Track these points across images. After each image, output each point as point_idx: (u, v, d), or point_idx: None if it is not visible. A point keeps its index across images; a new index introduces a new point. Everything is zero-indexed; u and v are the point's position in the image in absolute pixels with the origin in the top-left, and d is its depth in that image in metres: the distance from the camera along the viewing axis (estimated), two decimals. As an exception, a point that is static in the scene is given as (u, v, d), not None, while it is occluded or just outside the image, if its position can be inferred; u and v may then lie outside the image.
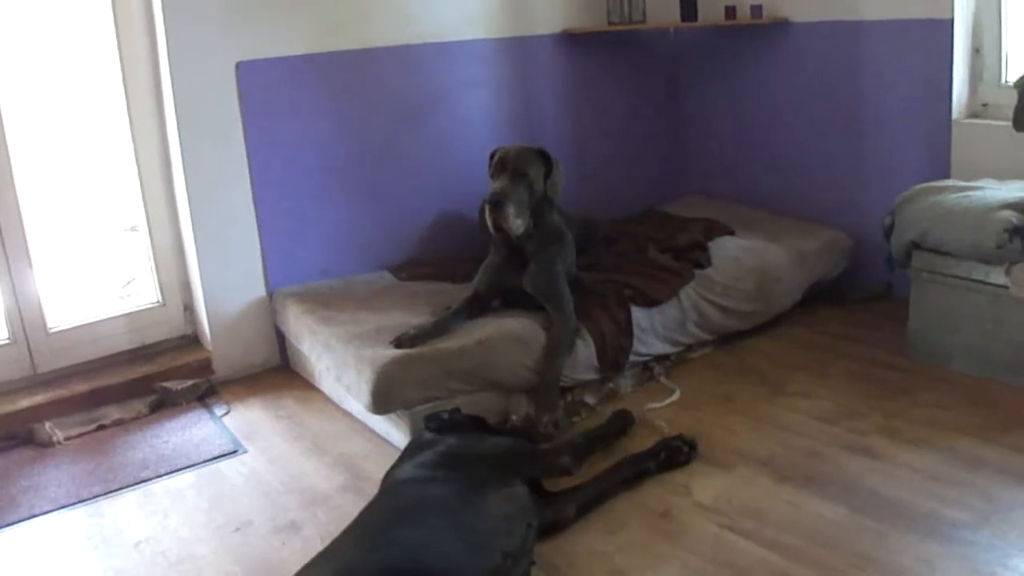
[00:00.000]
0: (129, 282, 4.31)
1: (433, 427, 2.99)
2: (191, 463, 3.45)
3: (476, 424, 3.11)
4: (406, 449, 2.96)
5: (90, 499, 3.24)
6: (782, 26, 4.71)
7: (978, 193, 3.67)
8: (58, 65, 3.98)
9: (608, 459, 3.14)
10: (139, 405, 3.89)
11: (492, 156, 3.79)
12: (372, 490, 2.89)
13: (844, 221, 4.59)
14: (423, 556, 2.33)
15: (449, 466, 2.73)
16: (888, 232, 3.86)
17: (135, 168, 4.08)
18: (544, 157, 3.74)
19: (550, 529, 2.79)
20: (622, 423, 3.36)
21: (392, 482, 2.75)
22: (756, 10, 4.64)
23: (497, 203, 3.58)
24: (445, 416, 3.06)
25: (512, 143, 3.89)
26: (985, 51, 4.13)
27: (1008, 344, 3.52)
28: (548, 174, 3.74)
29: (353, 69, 4.27)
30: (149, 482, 3.34)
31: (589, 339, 3.62)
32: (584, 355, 3.60)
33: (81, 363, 4.02)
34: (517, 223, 3.61)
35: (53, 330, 3.95)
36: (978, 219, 3.49)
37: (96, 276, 4.29)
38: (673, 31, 5.27)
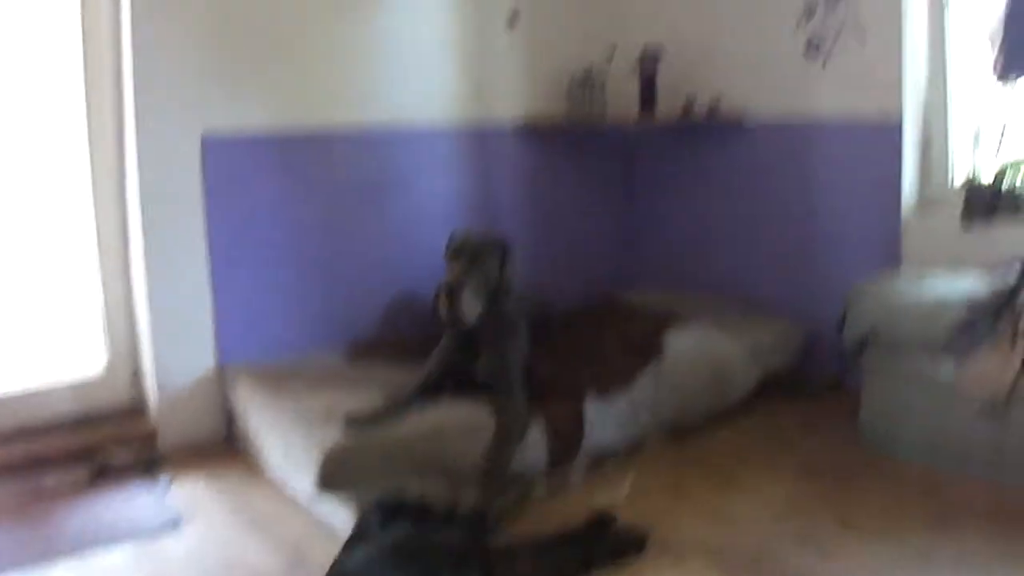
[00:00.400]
0: (76, 347, 4.22)
1: (380, 512, 2.94)
2: (129, 536, 3.34)
3: (422, 509, 3.06)
4: (352, 535, 2.90)
5: (23, 568, 3.12)
6: (737, 124, 4.81)
7: (929, 287, 3.75)
8: (23, 126, 3.95)
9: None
10: (79, 474, 3.79)
11: (450, 241, 3.81)
12: (315, 573, 2.82)
13: (797, 314, 4.63)
14: None
15: (400, 557, 2.68)
16: (840, 325, 3.89)
17: (94, 232, 4.06)
18: (501, 245, 3.77)
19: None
20: (601, 525, 3.20)
21: (338, 572, 2.68)
22: (713, 107, 4.75)
23: (452, 290, 3.59)
24: (391, 500, 3.01)
25: (470, 229, 3.90)
26: (934, 149, 4.26)
27: (959, 436, 3.54)
28: (504, 262, 3.75)
29: (316, 148, 4.30)
30: (85, 554, 3.23)
31: (541, 427, 3.59)
32: (535, 443, 3.57)
33: (21, 427, 3.90)
34: (471, 310, 3.61)
35: (-6, 393, 3.87)
36: (929, 312, 3.56)
37: (43, 339, 4.20)
38: (631, 125, 5.33)
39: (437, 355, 3.81)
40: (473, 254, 3.68)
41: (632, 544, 3.09)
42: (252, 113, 4.11)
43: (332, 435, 3.32)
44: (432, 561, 2.68)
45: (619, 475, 3.74)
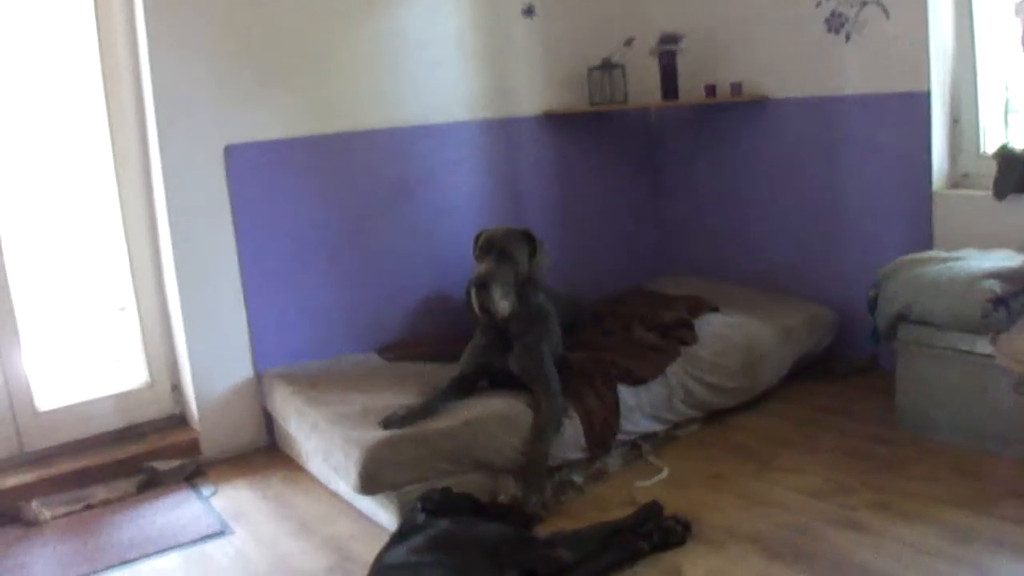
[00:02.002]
0: (117, 362, 4.30)
1: (428, 508, 2.97)
2: (178, 544, 3.42)
3: (468, 503, 3.09)
4: (397, 531, 2.93)
5: (76, 580, 3.20)
6: (761, 103, 4.78)
7: (961, 263, 3.70)
8: (50, 147, 4.02)
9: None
10: (126, 485, 3.86)
11: (477, 238, 3.84)
12: (359, 572, 2.87)
13: (828, 295, 4.62)
14: None
15: (441, 550, 2.69)
16: (872, 305, 3.88)
17: (125, 248, 4.12)
18: (529, 238, 3.79)
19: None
20: (648, 516, 3.20)
21: (381, 567, 2.72)
22: (735, 88, 4.73)
23: (483, 285, 3.61)
24: (436, 496, 3.04)
25: (497, 225, 3.93)
26: (963, 122, 4.20)
27: (996, 414, 3.51)
28: (533, 255, 3.78)
29: (340, 151, 4.33)
30: (135, 563, 3.30)
31: (576, 418, 3.62)
32: (571, 434, 3.60)
33: (69, 442, 4.00)
34: (503, 304, 3.64)
35: (41, 409, 3.95)
36: (962, 290, 3.52)
37: (85, 355, 4.28)
38: (654, 110, 5.35)
39: (470, 351, 3.85)
40: (501, 248, 3.71)
41: (676, 534, 3.10)
42: (274, 123, 4.15)
43: (370, 435, 3.37)
44: (472, 554, 2.70)
45: (655, 462, 3.76)
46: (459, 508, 3.03)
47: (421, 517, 2.92)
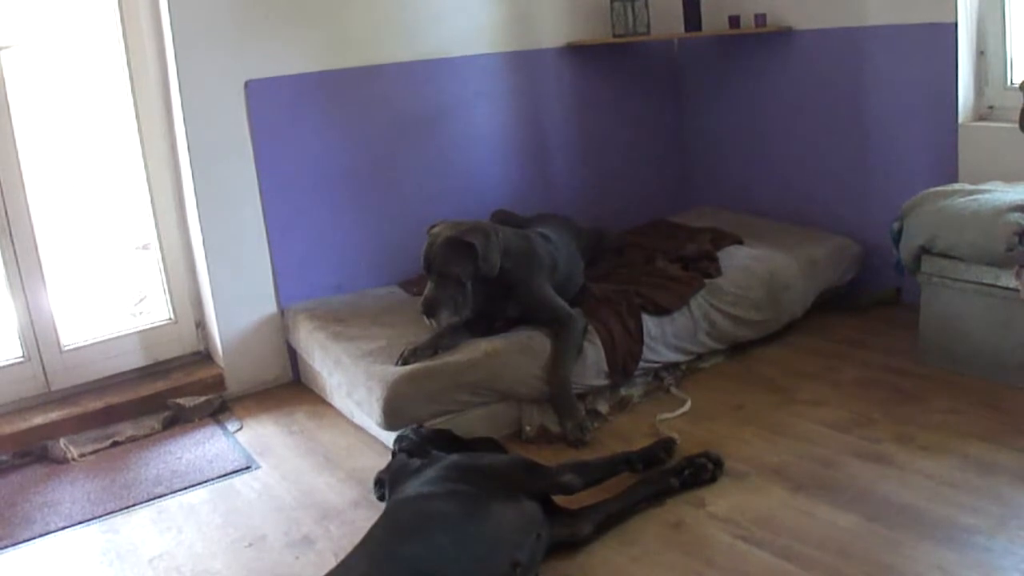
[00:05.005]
0: (141, 299, 4.33)
1: (404, 447, 3.01)
2: (204, 479, 3.46)
3: (444, 437, 3.15)
4: (387, 473, 2.99)
5: (104, 515, 3.25)
6: (785, 34, 4.72)
7: (986, 196, 3.65)
8: (69, 84, 4.02)
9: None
10: (152, 422, 3.91)
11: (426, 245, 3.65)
12: (384, 505, 2.90)
13: (852, 228, 4.58)
14: (431, 570, 2.35)
15: (454, 480, 2.72)
16: (897, 238, 3.85)
17: (146, 186, 4.11)
18: (467, 245, 3.53)
19: (567, 546, 2.77)
20: (662, 450, 3.21)
21: (395, 500, 2.75)
22: (759, 19, 4.66)
23: (429, 311, 3.51)
24: (413, 436, 3.10)
25: (443, 224, 3.70)
26: (990, 54, 4.13)
27: (1019, 347, 3.50)
28: (479, 258, 3.52)
29: (361, 86, 4.29)
30: (163, 498, 3.35)
31: (598, 342, 3.63)
32: (594, 360, 3.61)
33: (94, 380, 4.04)
34: (462, 314, 3.55)
35: (67, 347, 3.98)
36: (987, 222, 3.49)
37: (109, 294, 4.31)
38: (677, 42, 5.29)
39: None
40: (440, 270, 3.52)
41: (707, 470, 3.08)
42: (294, 57, 4.11)
43: (392, 370, 3.39)
44: (484, 482, 2.71)
45: (678, 394, 3.77)
46: (438, 442, 3.09)
47: (403, 459, 2.96)
